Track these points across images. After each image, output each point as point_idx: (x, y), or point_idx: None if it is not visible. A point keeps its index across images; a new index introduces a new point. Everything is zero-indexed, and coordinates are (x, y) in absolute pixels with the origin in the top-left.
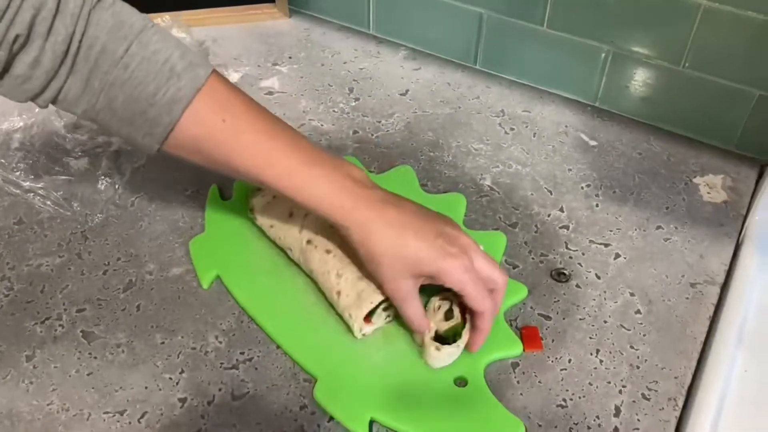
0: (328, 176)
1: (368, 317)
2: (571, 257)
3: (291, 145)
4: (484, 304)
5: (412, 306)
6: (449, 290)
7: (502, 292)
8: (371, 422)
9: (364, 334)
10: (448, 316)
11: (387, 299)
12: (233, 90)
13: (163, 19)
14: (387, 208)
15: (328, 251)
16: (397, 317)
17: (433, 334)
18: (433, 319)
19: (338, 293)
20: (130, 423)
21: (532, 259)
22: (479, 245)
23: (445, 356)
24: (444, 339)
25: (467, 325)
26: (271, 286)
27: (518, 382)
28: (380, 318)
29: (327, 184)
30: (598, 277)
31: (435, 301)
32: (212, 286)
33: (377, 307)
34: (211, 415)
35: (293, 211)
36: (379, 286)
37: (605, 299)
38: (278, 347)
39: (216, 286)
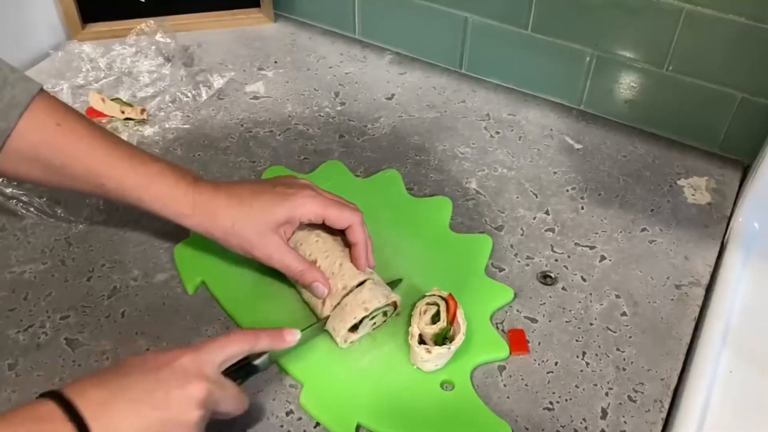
0: (167, 173)
1: (353, 328)
2: (556, 260)
3: (128, 150)
4: (347, 217)
5: (288, 257)
6: (434, 295)
7: (360, 212)
8: (358, 427)
9: (351, 343)
10: (435, 319)
11: (372, 312)
12: (65, 104)
13: (147, 24)
14: (222, 189)
15: (313, 262)
16: (381, 324)
17: (417, 337)
18: (420, 323)
19: (323, 302)
20: None
21: (518, 262)
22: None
23: (435, 358)
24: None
25: (462, 327)
26: (257, 291)
27: (505, 385)
28: (366, 327)
29: (167, 180)
30: (584, 280)
31: (421, 306)
32: (197, 292)
33: (363, 319)
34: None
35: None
36: (266, 258)
37: (591, 302)
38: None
39: (201, 292)
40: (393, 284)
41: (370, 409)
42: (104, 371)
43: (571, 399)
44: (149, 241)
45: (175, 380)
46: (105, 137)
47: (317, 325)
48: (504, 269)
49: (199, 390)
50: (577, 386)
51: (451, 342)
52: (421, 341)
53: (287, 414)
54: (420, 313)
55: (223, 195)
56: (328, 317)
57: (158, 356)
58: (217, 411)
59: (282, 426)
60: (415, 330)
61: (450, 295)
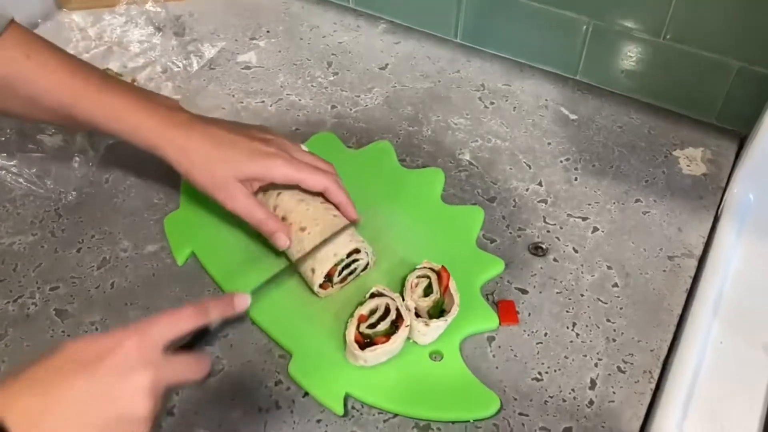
0: (142, 104)
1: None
2: (548, 231)
3: (101, 80)
4: (321, 180)
5: (251, 205)
6: (424, 267)
7: (333, 174)
8: (346, 397)
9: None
10: (427, 292)
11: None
12: (36, 35)
13: None
14: (197, 127)
15: (302, 229)
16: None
17: (413, 311)
18: (412, 296)
19: (312, 270)
20: None
21: (510, 233)
22: (299, 144)
23: (432, 331)
24: (419, 316)
25: (456, 298)
26: (246, 261)
27: (494, 355)
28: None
29: (141, 110)
30: (576, 251)
31: (412, 279)
32: (187, 263)
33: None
34: (185, 391)
35: (267, 187)
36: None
37: (582, 273)
38: (253, 323)
39: (191, 263)
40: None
41: (359, 379)
42: (36, 367)
43: (560, 369)
44: (139, 212)
45: (117, 373)
46: (76, 68)
47: (284, 271)
48: (495, 240)
49: (145, 379)
50: (566, 357)
51: (447, 314)
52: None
53: (276, 384)
54: (411, 287)
55: (197, 133)
56: (289, 266)
57: (97, 341)
58: (175, 386)
59: (271, 396)
60: (410, 303)
61: (443, 267)
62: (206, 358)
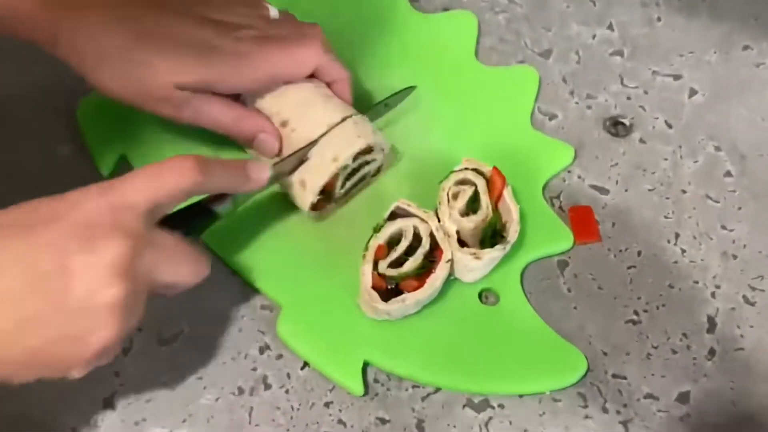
0: None
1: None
2: (629, 98)
3: None
4: (307, 61)
5: (213, 104)
6: (466, 169)
7: (319, 37)
8: (365, 366)
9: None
10: (472, 207)
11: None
12: None
13: None
14: (114, 21)
15: (284, 123)
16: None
17: (456, 236)
18: (452, 215)
19: (302, 183)
20: None
21: (576, 103)
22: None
23: (485, 265)
24: (465, 243)
25: (515, 213)
26: None
27: (569, 289)
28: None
29: None
30: (669, 126)
31: (449, 187)
32: (117, 173)
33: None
34: (128, 369)
35: None
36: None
37: (681, 158)
38: (221, 261)
39: (122, 170)
40: (396, 98)
41: (382, 340)
42: None
43: (664, 305)
44: (37, 96)
45: (74, 240)
46: None
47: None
48: (556, 116)
49: (117, 250)
50: (670, 285)
51: (503, 238)
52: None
53: (261, 351)
54: (448, 200)
55: (104, 14)
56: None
57: (42, 205)
58: (159, 283)
59: (255, 369)
60: (451, 227)
61: (495, 169)
62: (205, 258)
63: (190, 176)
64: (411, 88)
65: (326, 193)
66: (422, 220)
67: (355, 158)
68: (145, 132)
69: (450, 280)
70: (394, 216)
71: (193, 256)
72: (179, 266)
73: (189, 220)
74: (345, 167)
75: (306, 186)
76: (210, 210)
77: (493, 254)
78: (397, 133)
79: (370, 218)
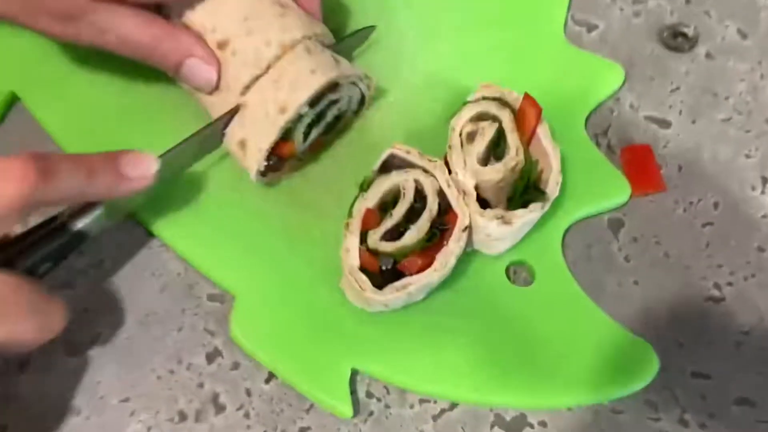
0: None
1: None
2: (688, 1)
3: None
4: None
5: (124, 19)
6: (485, 99)
7: None
8: (353, 375)
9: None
10: (496, 151)
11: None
12: None
13: None
14: None
15: (222, 45)
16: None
17: (474, 194)
18: (467, 163)
19: (241, 143)
20: None
21: (621, 9)
22: None
23: (517, 232)
24: (487, 202)
25: (555, 161)
26: (124, 112)
27: (626, 258)
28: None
29: None
30: (744, 36)
31: (462, 123)
32: (8, 118)
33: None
34: (23, 391)
35: None
36: None
37: (762, 76)
38: (147, 232)
39: (15, 115)
40: (354, 39)
41: (375, 338)
42: None
43: (753, 276)
44: None
45: None
46: None
47: (200, 136)
48: (596, 26)
49: None
50: (760, 249)
51: (541, 193)
52: (481, 202)
53: (209, 359)
54: (462, 143)
55: None
56: (206, 126)
57: None
58: None
59: (201, 385)
60: (467, 181)
61: (527, 96)
62: (61, 303)
63: (24, 181)
64: (370, 28)
65: (279, 155)
66: (426, 172)
67: (315, 102)
68: (42, 62)
69: (467, 253)
70: (387, 168)
71: (37, 305)
72: (16, 323)
73: (38, 247)
74: (300, 117)
75: (247, 148)
76: (69, 229)
77: (527, 217)
78: (387, 54)
79: (354, 173)
